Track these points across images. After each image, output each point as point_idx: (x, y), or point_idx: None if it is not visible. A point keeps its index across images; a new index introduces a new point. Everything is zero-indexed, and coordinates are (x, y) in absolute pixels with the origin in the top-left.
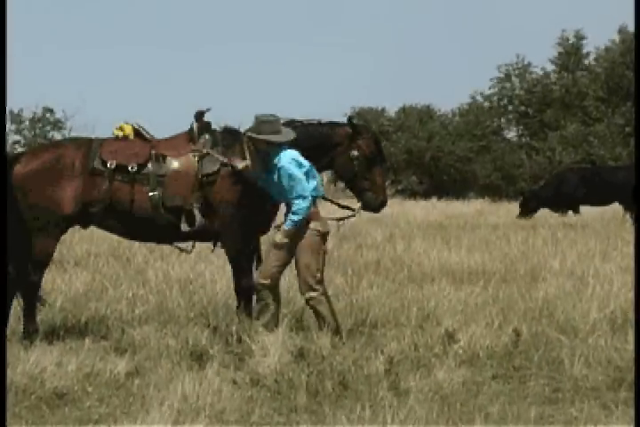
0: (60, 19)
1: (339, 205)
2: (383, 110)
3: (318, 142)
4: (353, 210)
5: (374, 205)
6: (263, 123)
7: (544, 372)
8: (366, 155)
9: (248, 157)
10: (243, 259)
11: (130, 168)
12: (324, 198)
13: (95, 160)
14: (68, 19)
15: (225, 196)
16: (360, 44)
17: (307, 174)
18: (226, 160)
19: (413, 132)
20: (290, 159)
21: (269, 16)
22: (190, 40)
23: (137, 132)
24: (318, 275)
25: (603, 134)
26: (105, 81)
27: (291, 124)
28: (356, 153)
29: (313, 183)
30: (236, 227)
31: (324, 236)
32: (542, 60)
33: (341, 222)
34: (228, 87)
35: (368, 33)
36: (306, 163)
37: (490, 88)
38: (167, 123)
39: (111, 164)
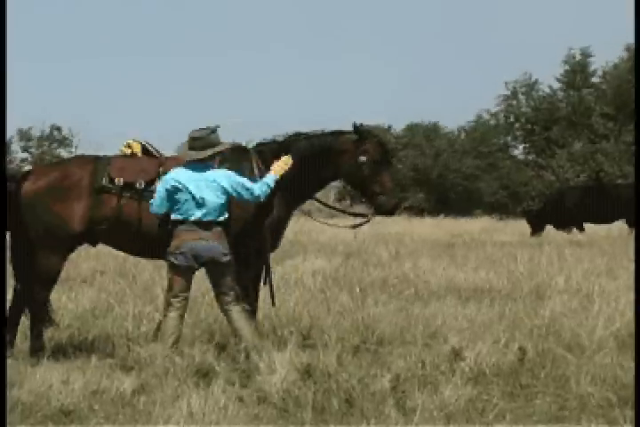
0: (58, 30)
1: (352, 214)
2: (390, 128)
3: (324, 152)
4: (366, 216)
5: (387, 208)
6: (192, 139)
7: (550, 389)
8: (374, 158)
9: (257, 174)
10: (245, 276)
11: (138, 185)
12: (335, 209)
13: (103, 178)
14: (68, 30)
15: (231, 212)
16: (365, 61)
17: (170, 195)
18: None
19: (420, 149)
20: (168, 175)
21: (272, 25)
22: (191, 48)
23: (145, 150)
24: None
25: (610, 151)
26: (110, 95)
27: (296, 136)
28: (363, 158)
29: (182, 207)
30: (241, 244)
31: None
32: (549, 77)
33: (357, 229)
34: (232, 101)
35: (373, 50)
36: (182, 186)
37: (496, 105)
38: (173, 134)
39: (119, 181)
